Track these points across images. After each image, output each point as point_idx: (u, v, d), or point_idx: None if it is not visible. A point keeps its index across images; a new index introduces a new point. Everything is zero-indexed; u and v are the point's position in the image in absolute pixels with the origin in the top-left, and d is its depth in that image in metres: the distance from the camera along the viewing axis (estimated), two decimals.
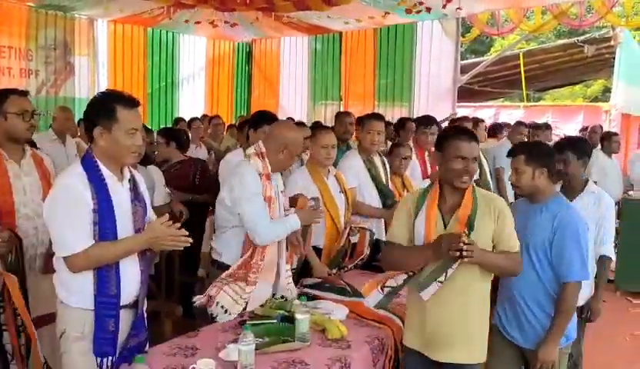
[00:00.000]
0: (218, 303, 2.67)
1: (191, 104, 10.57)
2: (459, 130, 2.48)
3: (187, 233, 2.27)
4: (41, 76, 8.38)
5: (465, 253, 2.19)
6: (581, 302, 3.05)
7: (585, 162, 3.23)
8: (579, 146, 3.24)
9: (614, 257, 3.29)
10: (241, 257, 2.82)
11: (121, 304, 2.24)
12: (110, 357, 2.21)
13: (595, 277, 3.22)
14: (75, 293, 2.22)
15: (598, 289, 3.25)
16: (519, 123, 6.86)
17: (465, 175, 2.34)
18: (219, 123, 7.94)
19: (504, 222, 2.36)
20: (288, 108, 10.75)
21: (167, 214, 2.33)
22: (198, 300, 2.72)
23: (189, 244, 2.28)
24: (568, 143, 3.31)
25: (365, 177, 3.84)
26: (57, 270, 2.28)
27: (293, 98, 10.85)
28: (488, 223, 2.35)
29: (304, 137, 3.05)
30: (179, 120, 8.35)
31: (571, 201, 3.02)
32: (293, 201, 3.13)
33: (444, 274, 2.30)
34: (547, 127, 6.94)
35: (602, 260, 3.22)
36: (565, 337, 2.67)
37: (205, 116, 8.33)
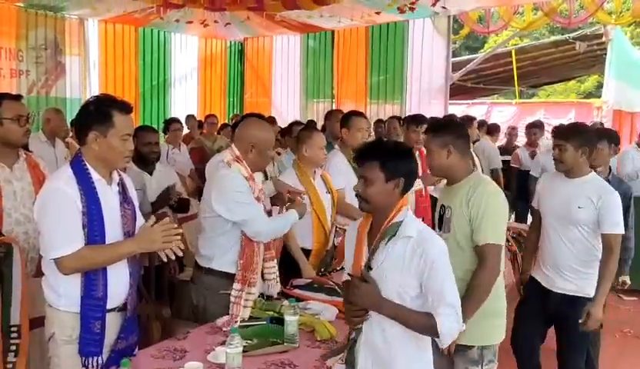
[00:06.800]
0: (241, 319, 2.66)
1: (183, 103, 10.54)
2: None
3: (179, 229, 2.27)
4: (31, 76, 8.34)
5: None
6: None
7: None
8: None
9: None
10: (240, 260, 2.77)
11: (108, 308, 2.25)
12: (95, 358, 2.21)
13: None
14: (63, 296, 2.23)
15: None
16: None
17: None
18: (214, 122, 7.92)
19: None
20: (281, 107, 10.77)
21: (153, 216, 2.34)
22: (221, 322, 2.65)
23: (179, 238, 2.28)
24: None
25: (353, 177, 3.82)
26: (45, 273, 2.29)
27: (285, 97, 10.86)
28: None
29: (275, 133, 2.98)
30: (172, 121, 8.10)
31: None
32: (276, 200, 3.14)
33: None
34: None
35: None
36: None
37: (190, 116, 8.29)
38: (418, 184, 4.66)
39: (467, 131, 2.75)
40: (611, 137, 4.03)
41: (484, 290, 2.44)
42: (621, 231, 3.00)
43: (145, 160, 3.93)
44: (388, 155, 2.01)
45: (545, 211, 3.21)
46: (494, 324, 2.59)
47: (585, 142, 3.00)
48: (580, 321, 2.97)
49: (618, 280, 3.82)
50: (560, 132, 3.10)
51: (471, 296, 2.42)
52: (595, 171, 3.71)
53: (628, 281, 3.90)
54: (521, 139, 8.52)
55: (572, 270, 3.10)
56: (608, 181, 3.67)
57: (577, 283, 3.09)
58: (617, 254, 2.99)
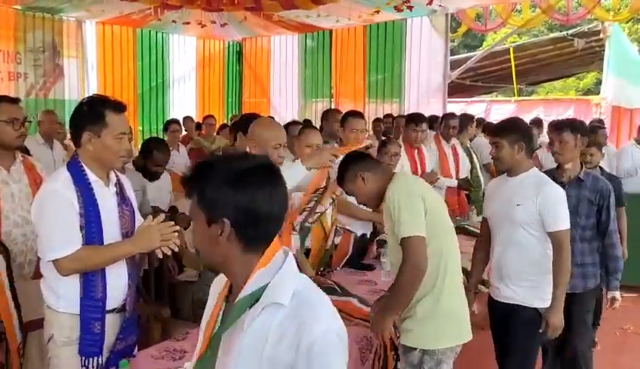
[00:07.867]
0: None
1: (182, 104, 10.53)
2: None
3: (176, 226, 2.28)
4: (30, 79, 8.32)
5: None
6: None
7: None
8: None
9: None
10: None
11: (108, 309, 2.25)
12: (95, 358, 2.21)
13: None
14: (62, 298, 2.23)
15: None
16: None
17: None
18: (212, 123, 7.92)
19: None
20: (280, 107, 10.77)
21: (150, 217, 2.34)
22: None
23: (177, 239, 2.28)
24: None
25: None
26: (44, 275, 2.28)
27: (284, 96, 10.86)
28: None
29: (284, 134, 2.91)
30: (171, 122, 8.02)
31: None
32: None
33: None
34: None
35: None
36: None
37: (187, 118, 8.31)
38: None
39: (367, 152, 2.76)
40: (575, 127, 3.33)
41: (405, 285, 2.35)
42: (566, 225, 2.75)
43: (152, 176, 4.07)
44: (210, 181, 1.21)
45: (490, 215, 2.99)
46: (437, 326, 2.41)
47: (519, 137, 2.83)
48: (540, 331, 2.81)
49: (607, 298, 3.44)
50: (494, 129, 2.95)
51: (394, 290, 2.43)
52: (563, 168, 3.36)
53: (619, 297, 3.42)
54: None
55: (518, 277, 2.84)
56: (579, 179, 3.32)
57: (520, 292, 2.83)
58: (567, 251, 2.74)
